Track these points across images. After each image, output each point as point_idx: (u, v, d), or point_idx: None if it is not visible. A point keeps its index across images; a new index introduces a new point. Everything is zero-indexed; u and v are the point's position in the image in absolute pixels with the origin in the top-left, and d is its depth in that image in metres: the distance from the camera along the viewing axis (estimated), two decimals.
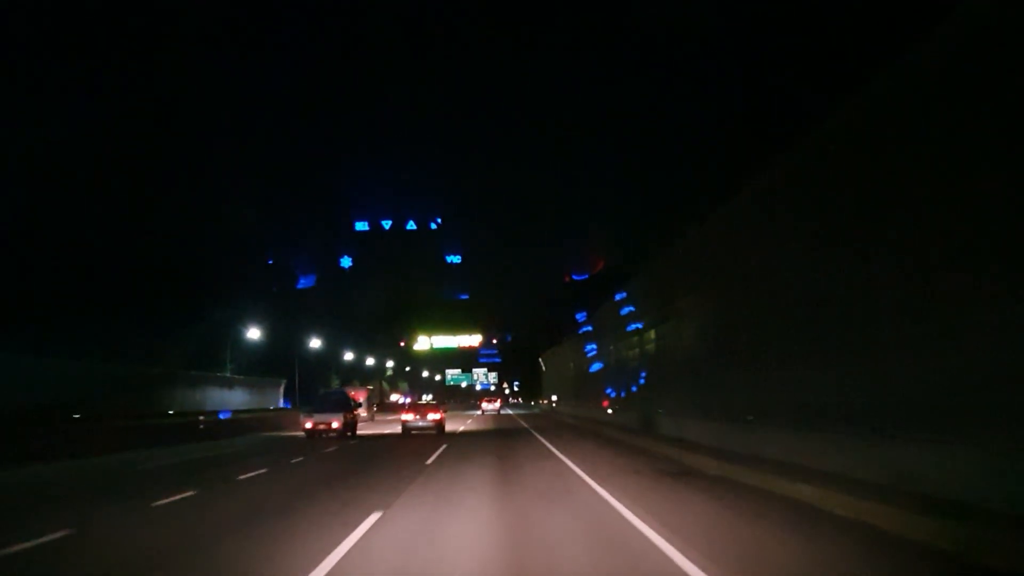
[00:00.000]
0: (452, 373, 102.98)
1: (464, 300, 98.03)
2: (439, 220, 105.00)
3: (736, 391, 13.97)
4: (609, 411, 25.65)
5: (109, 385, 31.51)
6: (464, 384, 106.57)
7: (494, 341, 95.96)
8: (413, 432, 25.74)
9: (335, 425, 24.72)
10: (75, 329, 39.34)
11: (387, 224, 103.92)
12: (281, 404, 55.33)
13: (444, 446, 19.21)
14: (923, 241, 7.88)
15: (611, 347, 26.26)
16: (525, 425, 31.91)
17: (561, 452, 16.28)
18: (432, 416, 26.25)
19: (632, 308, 23.78)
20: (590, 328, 35.38)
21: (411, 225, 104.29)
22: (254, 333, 51.22)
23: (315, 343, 59.78)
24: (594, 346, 33.19)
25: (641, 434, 18.62)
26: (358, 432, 27.61)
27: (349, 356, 69.10)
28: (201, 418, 25.39)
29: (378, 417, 48.86)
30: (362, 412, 45.31)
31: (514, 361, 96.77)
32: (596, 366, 32.55)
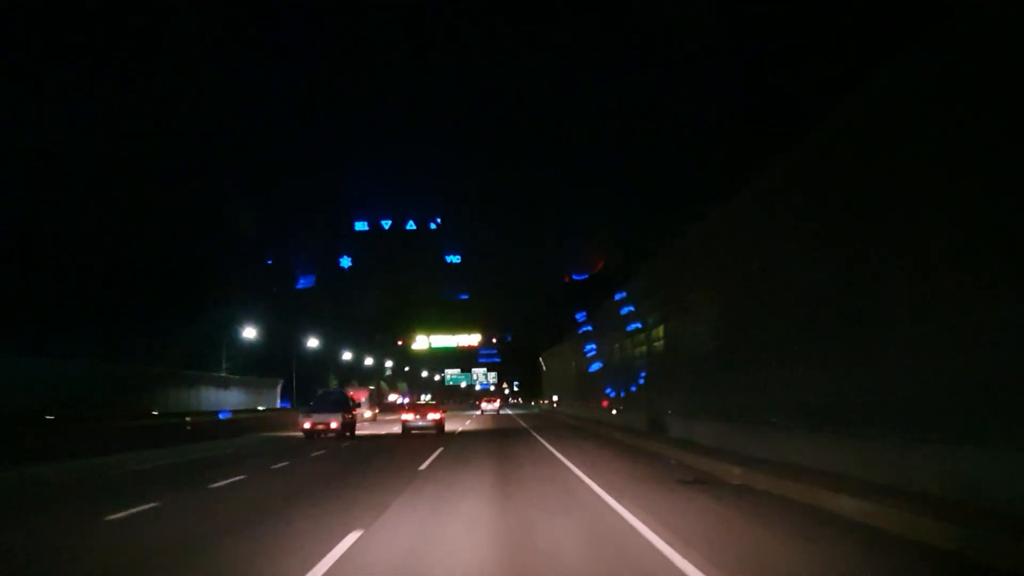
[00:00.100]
0: (451, 373, 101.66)
1: (464, 300, 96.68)
2: (439, 220, 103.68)
3: (754, 391, 12.71)
4: (613, 411, 24.35)
5: (98, 385, 30.40)
6: (464, 384, 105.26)
7: (494, 341, 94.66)
8: (413, 432, 25.35)
9: (334, 425, 24.25)
10: (69, 328, 38.30)
11: (387, 224, 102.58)
12: (281, 404, 54.36)
13: (440, 449, 17.91)
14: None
15: (616, 345, 24.98)
16: (526, 426, 30.58)
17: (566, 457, 14.97)
18: (432, 416, 25.96)
19: (632, 308, 23.17)
20: (590, 328, 34.55)
21: (411, 225, 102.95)
22: (252, 333, 50.04)
23: (313, 343, 58.54)
24: (594, 346, 32.12)
25: (649, 436, 17.31)
26: (357, 432, 26.99)
27: (347, 356, 67.83)
28: (188, 419, 24.06)
29: (379, 417, 47.56)
30: (365, 412, 45.10)
31: (514, 361, 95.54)
32: (596, 366, 31.56)
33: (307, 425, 24.62)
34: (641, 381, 23.36)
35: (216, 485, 11.51)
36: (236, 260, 72.25)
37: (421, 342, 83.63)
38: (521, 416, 48.60)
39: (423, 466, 13.68)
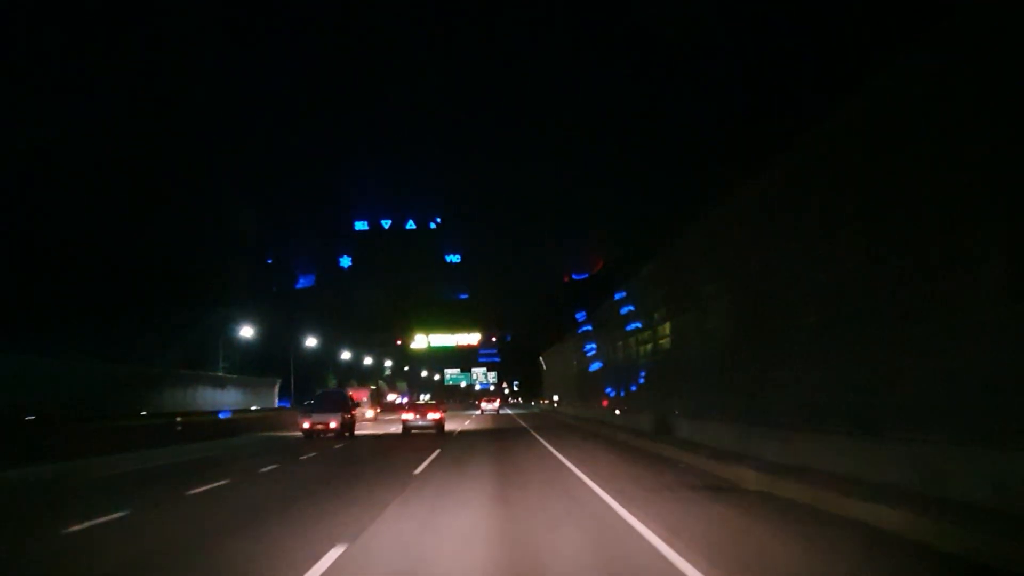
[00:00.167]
0: (451, 372, 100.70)
1: (463, 300, 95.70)
2: (438, 219, 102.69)
3: (771, 390, 11.80)
4: (616, 412, 23.42)
5: (91, 384, 29.56)
6: (463, 384, 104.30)
7: (493, 340, 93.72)
8: (413, 431, 25.24)
9: (333, 425, 24.00)
10: (65, 328, 37.59)
11: (386, 224, 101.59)
12: (281, 404, 53.60)
13: (438, 451, 17.00)
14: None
15: (620, 342, 24.04)
16: (526, 427, 29.65)
17: (569, 460, 14.06)
18: (432, 416, 25.86)
19: (631, 307, 22.58)
20: (589, 328, 33.90)
21: (411, 224, 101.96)
22: (249, 332, 49.19)
23: (312, 343, 57.66)
24: (594, 345, 31.38)
25: (655, 438, 16.39)
26: (357, 432, 26.61)
27: (346, 355, 66.95)
28: (178, 419, 23.12)
29: (380, 416, 46.68)
30: (367, 411, 44.57)
31: (514, 361, 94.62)
32: (596, 365, 30.86)
33: (306, 425, 24.31)
34: (642, 380, 22.84)
35: (194, 492, 10.61)
36: (236, 260, 71.43)
37: (421, 341, 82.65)
38: (521, 416, 47.68)
39: (418, 470, 12.77)
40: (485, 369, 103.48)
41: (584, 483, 10.64)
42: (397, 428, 27.48)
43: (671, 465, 12.88)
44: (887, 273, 8.38)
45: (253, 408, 44.65)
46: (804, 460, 10.30)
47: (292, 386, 53.75)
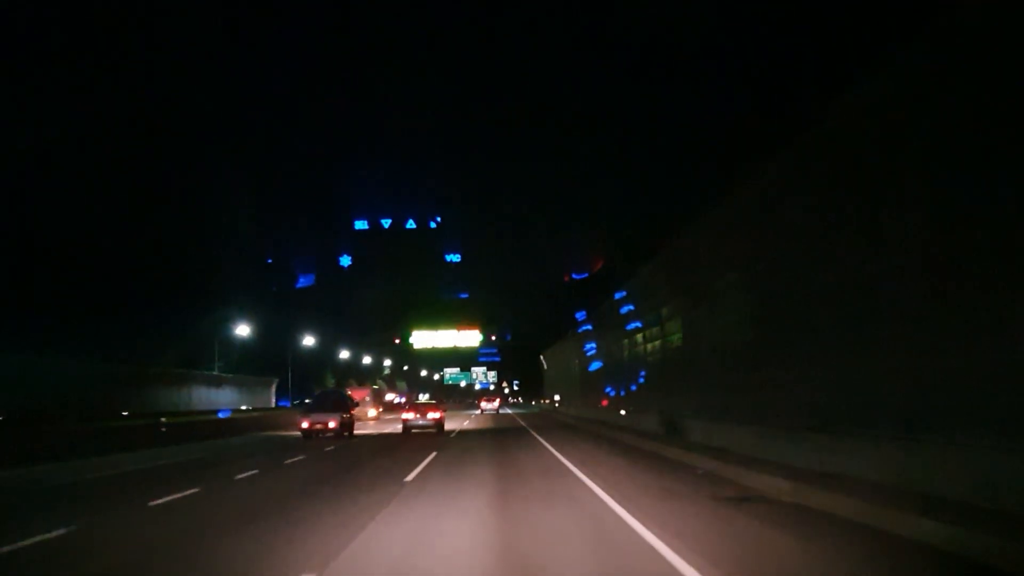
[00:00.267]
0: (451, 372, 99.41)
1: (464, 299, 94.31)
2: (439, 219, 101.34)
3: (796, 389, 10.53)
4: (621, 412, 22.16)
5: (79, 383, 28.43)
6: (463, 383, 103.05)
7: (493, 339, 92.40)
8: (413, 431, 25.21)
9: (332, 425, 23.61)
10: (64, 327, 36.67)
11: (386, 223, 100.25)
12: (281, 403, 52.62)
13: (434, 453, 15.73)
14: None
15: (624, 340, 22.76)
16: (527, 428, 28.35)
17: (575, 465, 12.80)
18: (432, 415, 25.84)
19: (631, 307, 21.80)
20: (589, 327, 32.91)
21: (411, 224, 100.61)
22: (247, 332, 48.00)
23: (310, 341, 56.44)
24: (594, 345, 30.32)
25: (665, 441, 15.11)
26: (356, 432, 26.35)
27: (345, 355, 65.70)
28: (163, 420, 21.86)
29: (383, 416, 45.66)
30: (369, 411, 44.18)
31: (514, 360, 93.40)
32: (596, 365, 30.29)
33: (305, 425, 23.89)
34: (642, 380, 21.87)
35: (157, 502, 9.35)
36: (235, 259, 70.30)
37: (420, 341, 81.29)
38: (521, 416, 46.44)
39: (410, 476, 11.52)
40: (485, 368, 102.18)
41: (593, 492, 9.39)
42: (398, 427, 27.23)
43: (686, 471, 11.62)
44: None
45: (244, 408, 43.37)
46: (837, 466, 9.07)
47: (290, 386, 52.66)
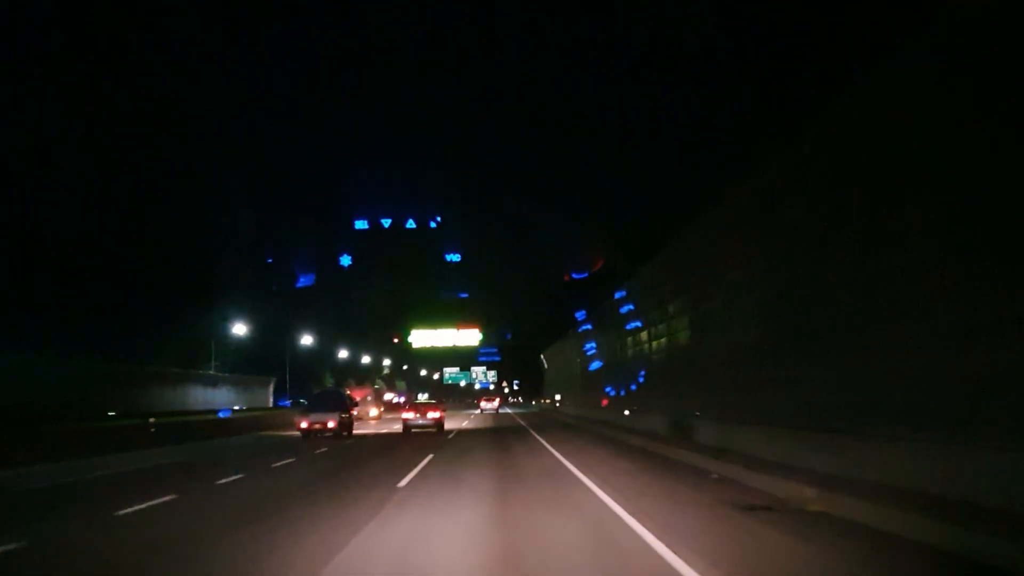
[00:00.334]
0: (450, 371, 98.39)
1: (464, 298, 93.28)
2: (439, 218, 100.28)
3: (816, 388, 9.69)
4: (625, 412, 21.29)
5: (70, 383, 27.65)
6: (463, 383, 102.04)
7: (493, 338, 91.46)
8: (413, 430, 25.25)
9: (331, 425, 23.46)
10: (63, 327, 35.97)
11: (387, 223, 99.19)
12: (281, 403, 51.85)
13: (431, 456, 14.88)
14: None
15: (627, 339, 21.90)
16: (528, 428, 27.46)
17: (580, 469, 11.94)
18: (432, 415, 25.95)
19: (631, 307, 21.35)
20: (589, 327, 32.54)
21: (411, 223, 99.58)
22: (244, 331, 47.21)
23: (308, 341, 55.62)
24: (594, 344, 29.61)
25: (673, 443, 14.24)
26: (356, 431, 26.23)
27: (344, 354, 64.84)
28: (151, 420, 20.98)
29: (384, 415, 45.28)
30: (371, 410, 44.51)
31: (513, 360, 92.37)
32: (595, 364, 29.91)
33: (304, 424, 23.69)
34: (641, 379, 21.20)
35: (126, 511, 8.49)
36: (235, 259, 69.34)
37: (419, 340, 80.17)
38: (521, 416, 45.60)
39: (404, 481, 10.66)
40: (485, 368, 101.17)
41: (603, 502, 8.53)
42: (397, 427, 27.14)
43: (698, 475, 10.77)
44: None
45: (237, 408, 42.55)
46: (868, 473, 8.23)
47: (288, 385, 51.84)
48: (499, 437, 21.89)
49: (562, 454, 14.59)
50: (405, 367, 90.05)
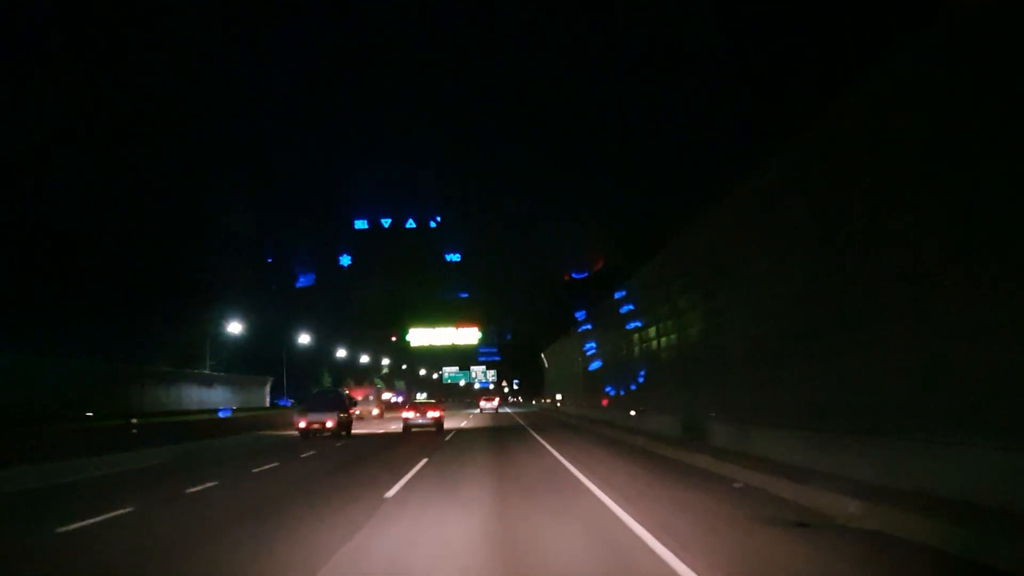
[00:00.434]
0: (450, 371, 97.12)
1: (463, 298, 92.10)
2: (438, 218, 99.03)
3: (854, 385, 8.50)
4: (632, 412, 20.09)
5: (60, 382, 26.51)
6: (462, 382, 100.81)
7: (493, 337, 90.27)
8: (413, 429, 25.24)
9: (329, 424, 23.24)
10: (64, 327, 35.08)
11: (386, 223, 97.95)
12: (281, 402, 50.80)
13: (425, 460, 13.69)
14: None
15: (635, 336, 20.69)
16: (529, 429, 26.25)
17: (588, 477, 10.74)
18: (432, 414, 25.97)
19: (631, 307, 20.70)
20: (589, 327, 31.75)
21: (410, 223, 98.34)
22: (240, 330, 46.09)
23: (306, 340, 54.47)
24: (594, 344, 28.76)
25: (687, 446, 13.02)
26: (355, 431, 26.07)
27: (342, 353, 63.67)
28: (134, 421, 19.77)
29: (386, 415, 44.86)
30: (373, 409, 44.60)
31: (513, 359, 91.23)
32: (595, 364, 29.22)
33: (302, 424, 23.43)
34: (641, 379, 20.32)
35: (67, 529, 7.30)
36: (235, 259, 68.33)
37: (418, 338, 79.01)
38: (521, 415, 44.43)
39: (392, 491, 9.45)
40: (484, 368, 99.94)
41: (616, 516, 7.33)
42: (397, 426, 27.02)
43: (719, 484, 9.56)
44: None
45: (246, 407, 41.47)
46: (922, 482, 7.05)
47: (285, 385, 50.75)
48: (499, 439, 20.69)
49: (567, 458, 13.39)
50: (404, 366, 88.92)
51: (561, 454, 14.35)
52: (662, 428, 16.32)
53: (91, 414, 23.17)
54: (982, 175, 6.32)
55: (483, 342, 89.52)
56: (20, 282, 39.12)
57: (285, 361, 50.55)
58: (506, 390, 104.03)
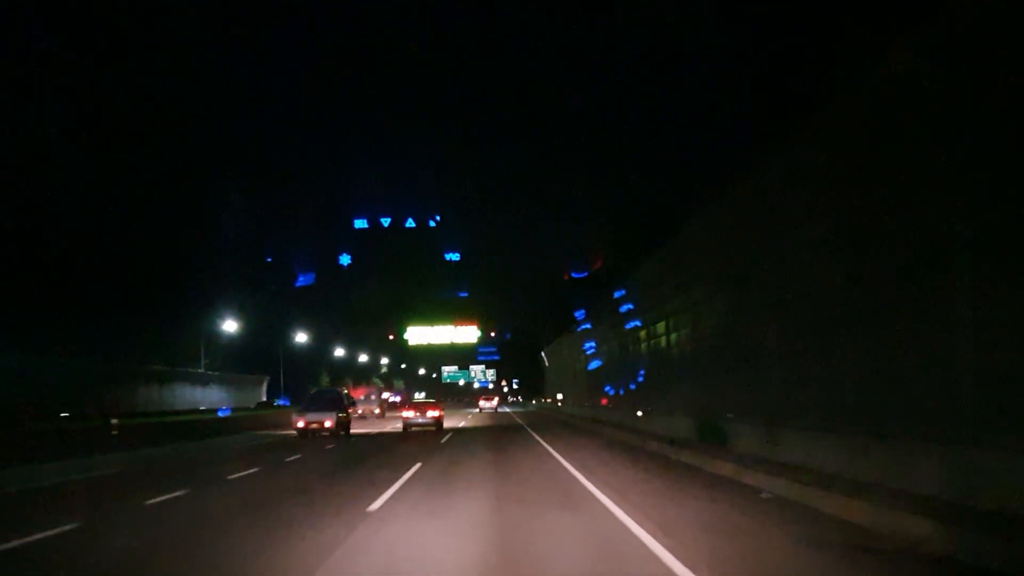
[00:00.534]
0: (449, 370, 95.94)
1: (463, 298, 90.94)
2: (438, 217, 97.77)
3: (920, 381, 7.25)
4: (639, 413, 18.86)
5: (50, 381, 25.41)
6: (462, 382, 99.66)
7: (492, 335, 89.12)
8: (412, 429, 25.09)
9: (328, 424, 22.73)
10: (65, 329, 34.16)
11: (386, 222, 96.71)
12: (280, 401, 49.79)
13: (418, 465, 12.47)
14: None
15: (642, 333, 19.44)
16: (530, 430, 25.01)
17: (598, 487, 9.49)
18: (431, 414, 25.88)
19: (631, 305, 20.10)
20: (588, 326, 30.81)
21: (410, 223, 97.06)
22: (235, 328, 44.97)
23: (304, 339, 53.32)
24: (594, 344, 28.43)
25: (704, 451, 11.76)
26: (354, 430, 25.66)
27: (341, 352, 62.51)
28: (114, 422, 18.55)
29: (387, 414, 44.34)
30: (375, 409, 44.25)
31: (513, 359, 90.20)
32: (595, 364, 28.39)
33: (300, 424, 22.95)
34: (640, 379, 19.47)
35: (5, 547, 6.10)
36: (235, 258, 67.39)
37: (416, 337, 77.96)
38: (521, 415, 43.22)
39: (377, 503, 8.21)
40: (484, 367, 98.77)
41: (638, 538, 6.10)
42: (398, 425, 26.98)
43: (747, 495, 8.32)
44: None
45: (229, 408, 40.31)
46: (1007, 498, 5.84)
47: (282, 384, 49.64)
48: (499, 440, 19.45)
49: (574, 465, 12.13)
50: (403, 365, 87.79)
51: (565, 458, 13.12)
52: (673, 430, 15.08)
53: (67, 414, 21.93)
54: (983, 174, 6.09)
55: (482, 341, 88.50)
56: (16, 281, 38.01)
57: (282, 360, 49.40)
58: (505, 389, 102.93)
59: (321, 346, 58.85)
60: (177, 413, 34.77)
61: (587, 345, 31.27)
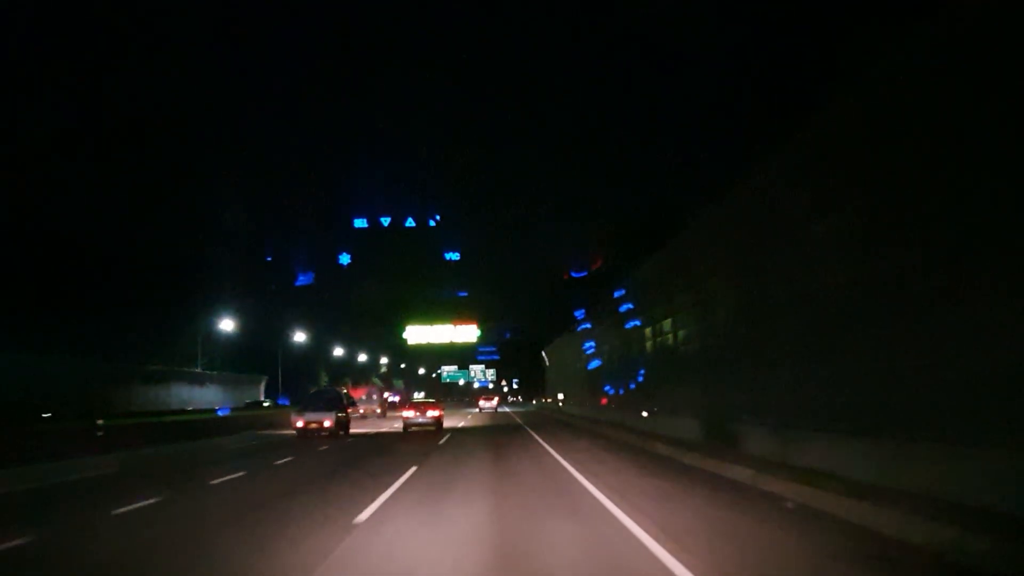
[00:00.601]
0: (449, 370, 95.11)
1: (463, 297, 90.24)
2: (438, 217, 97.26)
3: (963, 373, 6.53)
4: (644, 413, 18.11)
5: (44, 381, 24.72)
6: (461, 381, 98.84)
7: (492, 336, 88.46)
8: (412, 428, 25.10)
9: (327, 424, 22.56)
10: (65, 328, 33.52)
11: (386, 221, 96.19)
12: (280, 400, 49.10)
13: (413, 468, 11.75)
14: None
15: (647, 330, 18.70)
16: (531, 431, 24.27)
17: (606, 495, 8.77)
18: (431, 413, 25.94)
19: (632, 305, 19.92)
20: (588, 326, 30.80)
21: (410, 222, 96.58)
22: (232, 327, 44.23)
23: (303, 338, 52.57)
24: (593, 344, 28.18)
25: (715, 454, 11.02)
26: (353, 430, 25.63)
27: (339, 352, 61.77)
28: (100, 422, 17.79)
29: (388, 413, 44.04)
30: (376, 408, 44.48)
31: (513, 359, 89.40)
32: (595, 363, 28.19)
33: (300, 424, 22.81)
34: (640, 379, 19.02)
35: None
36: (234, 258, 66.71)
37: (415, 336, 77.20)
38: (521, 415, 42.51)
39: (365, 513, 7.48)
40: (483, 367, 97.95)
41: (648, 547, 5.37)
42: (398, 425, 27.08)
43: (768, 504, 7.60)
44: None
45: (228, 407, 39.61)
46: None
47: (280, 384, 48.93)
48: (499, 442, 18.71)
49: (577, 469, 11.40)
50: (403, 365, 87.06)
51: (568, 460, 12.40)
52: (680, 431, 14.35)
53: (49, 415, 21.19)
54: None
55: (482, 341, 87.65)
56: (14, 281, 37.31)
57: (280, 360, 48.66)
58: (505, 389, 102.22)
59: (320, 345, 58.13)
60: (175, 413, 34.05)
61: (587, 345, 30.83)
